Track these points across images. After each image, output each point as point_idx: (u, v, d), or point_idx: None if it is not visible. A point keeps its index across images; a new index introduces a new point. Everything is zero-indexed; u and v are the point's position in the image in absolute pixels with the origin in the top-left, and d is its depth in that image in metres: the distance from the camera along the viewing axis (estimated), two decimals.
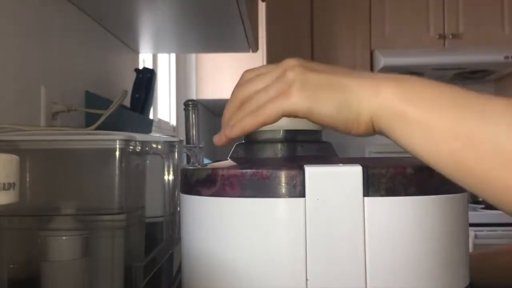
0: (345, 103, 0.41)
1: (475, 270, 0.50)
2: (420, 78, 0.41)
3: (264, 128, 0.46)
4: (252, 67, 0.47)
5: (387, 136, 0.41)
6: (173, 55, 2.17)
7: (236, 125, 0.43)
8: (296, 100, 0.41)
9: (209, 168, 0.45)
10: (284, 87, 0.42)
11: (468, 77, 2.80)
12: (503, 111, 0.36)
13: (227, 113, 0.46)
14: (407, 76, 0.41)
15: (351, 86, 0.41)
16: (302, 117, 0.42)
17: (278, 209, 0.40)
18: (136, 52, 1.53)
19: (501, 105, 0.36)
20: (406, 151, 0.40)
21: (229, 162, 0.49)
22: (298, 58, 0.44)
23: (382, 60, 2.61)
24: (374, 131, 0.41)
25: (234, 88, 0.46)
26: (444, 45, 2.67)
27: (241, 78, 0.47)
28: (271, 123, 0.42)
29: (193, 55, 2.46)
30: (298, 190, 0.40)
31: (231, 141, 0.46)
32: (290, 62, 0.43)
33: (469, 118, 0.37)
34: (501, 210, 0.37)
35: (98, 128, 0.78)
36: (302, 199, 0.40)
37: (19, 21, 0.82)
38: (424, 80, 0.40)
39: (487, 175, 0.36)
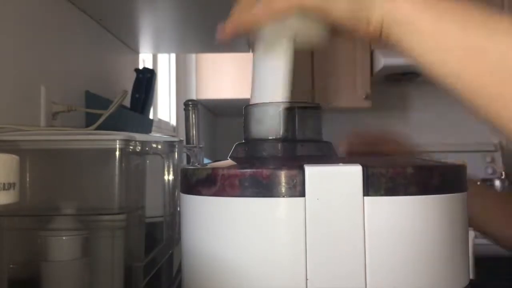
0: (358, 1, 0.41)
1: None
2: None
3: (265, 129, 0.46)
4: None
5: (393, 43, 0.41)
6: (173, 55, 2.17)
7: (247, 15, 0.43)
8: None
9: (209, 168, 0.45)
10: None
11: None
12: (510, 28, 0.37)
13: (235, 10, 0.45)
14: None
15: None
16: (314, 11, 0.41)
17: (278, 208, 0.40)
18: (136, 52, 1.53)
19: (509, 22, 0.37)
20: (412, 59, 0.40)
21: (229, 162, 0.49)
22: None
23: (382, 60, 2.60)
24: (380, 35, 0.42)
25: None
26: None
27: None
28: (282, 15, 0.42)
29: (193, 55, 2.46)
30: (298, 189, 0.40)
31: (234, 36, 0.45)
32: None
33: (480, 34, 0.38)
34: (495, 126, 0.38)
35: (98, 128, 0.78)
36: (302, 198, 0.40)
37: (19, 21, 0.82)
38: None
39: (490, 93, 0.36)
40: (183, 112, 1.04)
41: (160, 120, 1.95)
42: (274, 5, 0.42)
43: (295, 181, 0.40)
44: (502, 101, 0.37)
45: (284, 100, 0.49)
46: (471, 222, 0.46)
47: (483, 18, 0.38)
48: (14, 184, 0.38)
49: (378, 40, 0.42)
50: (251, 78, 0.51)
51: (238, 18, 0.43)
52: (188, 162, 0.92)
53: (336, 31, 0.44)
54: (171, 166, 0.73)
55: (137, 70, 1.35)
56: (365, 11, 0.41)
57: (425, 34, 0.39)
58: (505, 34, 0.37)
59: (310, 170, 0.40)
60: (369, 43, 2.72)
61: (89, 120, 1.00)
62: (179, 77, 2.23)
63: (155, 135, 0.94)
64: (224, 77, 2.40)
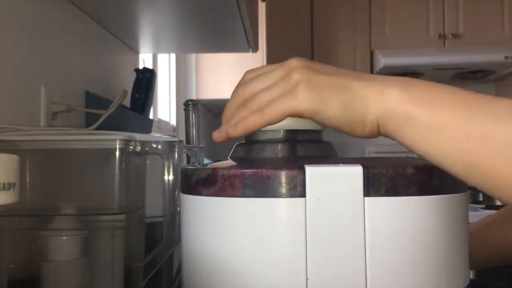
0: (351, 105, 0.41)
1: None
2: (425, 81, 0.41)
3: (266, 128, 0.46)
4: (254, 67, 0.47)
5: (393, 138, 0.41)
6: (173, 55, 2.17)
7: (239, 124, 0.43)
8: (302, 101, 0.41)
9: (209, 168, 0.45)
10: (290, 87, 0.42)
11: (468, 77, 2.80)
12: (511, 110, 0.37)
13: (228, 110, 0.46)
14: (412, 79, 0.41)
15: (357, 87, 0.41)
16: (307, 118, 0.42)
17: (278, 209, 0.40)
18: (136, 52, 1.53)
19: (509, 105, 0.37)
20: (413, 153, 0.40)
21: (229, 162, 0.49)
22: (301, 58, 0.44)
23: (382, 60, 2.61)
24: (379, 133, 0.42)
25: (236, 87, 0.46)
26: (444, 45, 2.67)
27: (243, 78, 0.46)
28: (276, 122, 0.42)
29: (193, 55, 2.46)
30: (298, 190, 0.40)
31: (231, 139, 0.46)
32: (294, 62, 0.43)
33: (479, 117, 0.37)
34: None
35: (98, 128, 0.78)
36: (302, 199, 0.40)
37: (19, 21, 0.82)
38: (430, 82, 0.41)
39: (500, 173, 0.36)
40: (183, 112, 1.04)
41: (160, 120, 1.95)
42: (268, 112, 0.42)
43: (295, 181, 0.40)
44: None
45: None
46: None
47: (481, 103, 0.38)
48: (14, 184, 0.38)
49: (375, 137, 0.42)
50: None
51: (234, 129, 0.43)
52: (188, 162, 0.92)
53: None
54: (171, 166, 0.73)
55: (137, 70, 1.35)
56: (359, 115, 0.41)
57: (426, 127, 0.38)
58: (506, 117, 0.36)
59: (311, 171, 0.40)
60: (369, 43, 2.72)
61: (89, 120, 1.00)
62: (179, 77, 2.23)
63: (155, 135, 0.94)
64: (224, 77, 2.40)
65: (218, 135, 0.45)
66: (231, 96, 0.46)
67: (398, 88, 0.40)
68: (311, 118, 0.42)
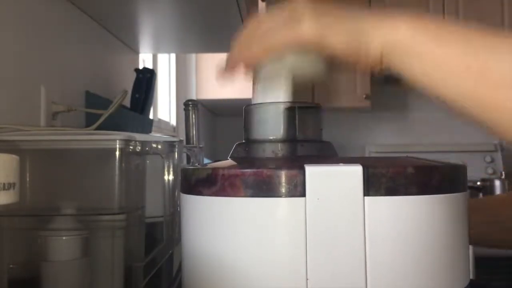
0: (356, 33, 0.41)
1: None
2: (433, 16, 0.41)
3: (266, 130, 0.46)
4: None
5: (394, 70, 0.41)
6: (173, 55, 2.17)
7: (244, 53, 0.43)
8: (308, 27, 0.41)
9: (209, 168, 0.45)
10: (295, 16, 0.41)
11: None
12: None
13: (232, 50, 0.45)
14: (420, 13, 0.41)
15: (364, 17, 0.41)
16: (312, 46, 0.41)
17: (278, 208, 0.40)
18: (136, 52, 1.53)
19: (510, 40, 0.38)
20: (416, 84, 0.40)
21: (229, 161, 0.49)
22: None
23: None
24: (381, 64, 0.42)
25: (242, 29, 0.46)
26: None
27: (249, 21, 0.46)
28: (279, 49, 0.42)
29: (193, 55, 2.46)
30: (298, 189, 0.40)
31: (233, 76, 0.45)
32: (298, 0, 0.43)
33: (481, 51, 0.38)
34: (509, 140, 0.39)
35: (98, 128, 0.78)
36: (302, 198, 0.40)
37: (19, 21, 0.82)
38: (437, 18, 0.41)
39: (497, 105, 0.37)
40: (183, 112, 1.04)
41: (160, 120, 1.95)
42: (271, 41, 0.42)
43: (295, 181, 0.40)
44: (509, 115, 0.37)
45: (286, 100, 0.49)
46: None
47: (484, 39, 0.39)
48: (14, 184, 0.38)
49: (378, 70, 0.42)
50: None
51: (237, 56, 0.43)
52: (188, 162, 0.92)
53: (335, 64, 0.44)
54: (171, 166, 0.73)
55: (137, 70, 1.35)
56: (364, 43, 0.41)
57: (427, 57, 0.39)
58: (507, 53, 0.37)
59: (311, 170, 0.40)
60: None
61: (89, 120, 1.00)
62: (179, 77, 2.23)
63: (155, 135, 0.94)
64: None
65: (220, 73, 0.44)
66: (236, 38, 0.46)
67: (405, 20, 0.40)
68: (315, 45, 0.41)
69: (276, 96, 0.49)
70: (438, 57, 0.39)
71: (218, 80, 0.44)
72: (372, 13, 0.42)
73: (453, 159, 2.13)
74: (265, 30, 0.42)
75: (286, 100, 0.48)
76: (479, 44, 0.38)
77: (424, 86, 0.40)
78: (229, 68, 0.44)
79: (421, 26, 0.40)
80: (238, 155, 0.51)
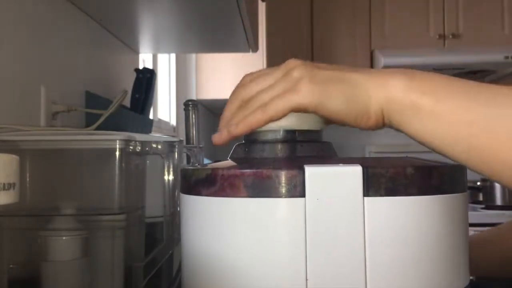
0: (354, 97, 0.41)
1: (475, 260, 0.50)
2: (426, 72, 0.41)
3: (265, 128, 0.46)
4: (253, 68, 0.47)
5: (397, 129, 0.41)
6: (173, 55, 2.17)
7: (241, 122, 0.43)
8: (305, 95, 0.41)
9: (209, 168, 0.45)
10: (292, 83, 0.42)
11: (468, 77, 2.80)
12: (509, 97, 0.38)
13: (227, 112, 0.46)
14: (414, 70, 0.41)
15: (360, 79, 0.41)
16: (311, 112, 0.42)
17: (278, 209, 0.40)
18: (136, 52, 1.53)
19: (507, 91, 0.38)
20: (418, 141, 0.41)
21: (229, 162, 0.49)
22: (298, 59, 0.44)
23: (382, 60, 2.61)
24: (383, 124, 0.42)
25: (234, 90, 0.46)
26: (444, 45, 2.67)
27: (241, 81, 0.46)
28: (279, 118, 0.42)
29: (193, 55, 2.46)
30: (298, 190, 0.40)
31: (231, 140, 0.46)
32: (292, 62, 0.43)
33: (481, 104, 0.38)
34: None
35: (98, 128, 0.78)
36: (302, 199, 0.40)
37: (19, 21, 0.82)
38: (431, 73, 0.41)
39: (504, 159, 0.37)
40: (183, 112, 1.04)
41: (160, 120, 1.95)
42: (271, 108, 0.42)
43: (295, 181, 0.40)
44: None
45: None
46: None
47: (482, 92, 0.39)
48: (14, 184, 0.38)
49: (381, 128, 0.43)
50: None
51: (236, 127, 0.43)
52: (188, 162, 0.92)
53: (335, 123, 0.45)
54: (171, 166, 0.73)
55: (137, 70, 1.35)
56: (363, 106, 0.41)
57: (427, 114, 0.39)
58: (508, 106, 0.37)
59: (310, 171, 0.40)
60: (369, 43, 2.72)
61: (89, 120, 1.00)
62: (179, 77, 2.23)
63: (155, 135, 0.94)
64: (224, 77, 2.40)
65: (218, 137, 0.45)
66: (230, 98, 0.46)
67: (400, 78, 0.40)
68: (314, 112, 0.42)
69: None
70: (437, 113, 0.39)
71: (216, 142, 0.45)
72: (367, 72, 0.42)
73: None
74: (262, 100, 0.43)
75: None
76: (479, 98, 0.38)
77: (426, 143, 0.40)
78: (225, 136, 0.44)
79: (417, 83, 0.40)
80: (237, 156, 0.51)
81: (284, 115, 0.42)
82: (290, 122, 0.46)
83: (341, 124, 0.42)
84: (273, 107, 0.42)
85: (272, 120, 0.42)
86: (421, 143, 0.40)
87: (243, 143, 0.51)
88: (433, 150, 0.40)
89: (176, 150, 0.76)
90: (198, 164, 0.88)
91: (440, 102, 0.39)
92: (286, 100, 0.41)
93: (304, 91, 0.41)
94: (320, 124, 0.48)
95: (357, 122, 0.42)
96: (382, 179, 0.40)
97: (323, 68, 0.42)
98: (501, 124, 0.37)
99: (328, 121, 0.45)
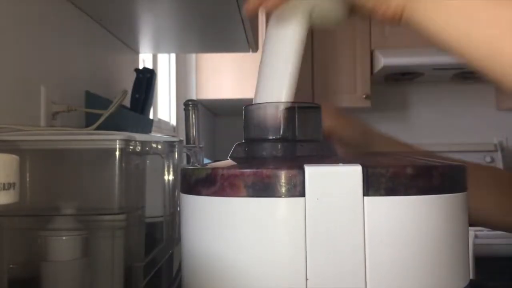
0: None
1: None
2: None
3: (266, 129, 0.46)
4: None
5: (414, 26, 0.41)
6: (173, 55, 2.17)
7: None
8: None
9: (209, 168, 0.45)
10: None
11: (468, 77, 2.80)
12: None
13: None
14: None
15: None
16: None
17: (278, 208, 0.40)
18: (136, 52, 1.53)
19: None
20: (434, 41, 0.40)
21: (229, 161, 0.49)
22: None
23: (382, 60, 2.61)
24: (400, 20, 0.41)
25: None
26: None
27: None
28: None
29: (193, 55, 2.46)
30: (298, 189, 0.40)
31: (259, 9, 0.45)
32: None
33: (508, 5, 0.37)
34: None
35: (98, 128, 0.78)
36: (302, 198, 0.40)
37: (19, 21, 0.82)
38: None
39: None
40: (183, 112, 1.04)
41: (160, 120, 1.95)
42: None
43: (295, 181, 0.40)
44: None
45: (287, 100, 0.49)
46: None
47: None
48: (14, 184, 0.38)
49: (395, 23, 0.42)
50: (258, 71, 0.51)
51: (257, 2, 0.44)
52: (188, 162, 0.92)
53: (352, 11, 0.44)
54: (171, 166, 0.73)
55: (137, 70, 1.35)
56: None
57: (455, 10, 0.39)
58: None
59: (310, 170, 0.40)
60: (369, 43, 2.72)
61: (89, 120, 1.00)
62: (179, 77, 2.23)
63: (155, 135, 0.94)
64: (224, 77, 2.40)
65: (249, 6, 0.45)
66: None
67: None
68: None
69: (277, 96, 0.49)
70: (464, 9, 0.38)
71: (248, 14, 0.45)
72: None
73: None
74: None
75: (287, 99, 0.48)
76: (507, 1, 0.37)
77: (445, 40, 0.39)
78: (252, 7, 0.44)
79: None
80: (237, 155, 0.51)
81: None
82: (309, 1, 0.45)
83: (359, 8, 0.42)
84: None
85: None
86: (441, 42, 0.40)
87: (243, 142, 0.51)
88: (452, 51, 0.40)
89: (176, 150, 0.76)
90: (198, 164, 0.88)
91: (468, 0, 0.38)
92: None
93: None
94: (337, 11, 0.47)
95: (374, 8, 0.41)
96: (382, 179, 0.40)
97: None
98: None
99: (346, 5, 0.44)
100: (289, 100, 0.50)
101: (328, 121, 0.70)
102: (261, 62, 0.52)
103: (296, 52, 0.48)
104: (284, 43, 0.49)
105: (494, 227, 0.69)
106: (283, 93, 0.50)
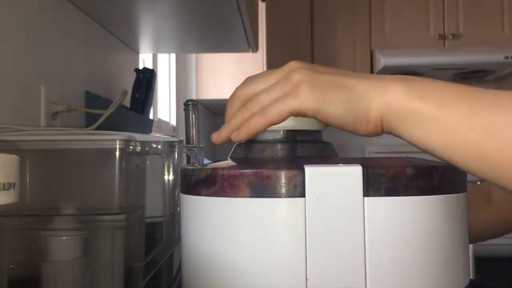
0: (353, 102, 0.41)
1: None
2: (425, 78, 0.41)
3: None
4: (254, 67, 0.47)
5: (397, 135, 0.41)
6: (173, 55, 2.17)
7: (243, 128, 0.43)
8: (305, 100, 0.41)
9: (209, 168, 0.45)
10: (291, 87, 0.42)
11: (468, 77, 2.80)
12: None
13: (229, 111, 0.46)
14: (413, 76, 0.41)
15: (359, 85, 0.41)
16: (310, 117, 0.42)
17: (278, 209, 0.40)
18: (136, 52, 1.53)
19: (509, 96, 0.37)
20: (418, 148, 0.40)
21: (229, 162, 0.49)
22: (299, 61, 0.44)
23: (382, 60, 2.61)
24: (382, 130, 0.42)
25: (236, 89, 0.46)
26: (444, 45, 2.67)
27: (243, 82, 0.47)
28: (279, 122, 0.42)
29: (193, 55, 2.46)
30: (298, 190, 0.40)
31: (230, 141, 0.46)
32: (293, 64, 0.43)
33: (483, 109, 0.37)
34: None
35: (98, 128, 0.78)
36: (302, 199, 0.40)
37: (19, 21, 0.82)
38: (431, 79, 0.41)
39: (505, 164, 0.36)
40: (183, 112, 1.04)
41: (160, 120, 1.95)
42: (270, 113, 0.42)
43: (295, 181, 0.40)
44: None
45: None
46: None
47: (484, 97, 0.38)
48: (14, 184, 0.38)
49: (379, 134, 0.42)
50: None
51: (238, 134, 0.44)
52: (188, 162, 0.92)
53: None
54: (171, 166, 0.73)
55: (137, 70, 1.35)
56: (362, 112, 0.41)
57: (428, 120, 0.39)
58: (510, 108, 0.37)
59: (310, 171, 0.40)
60: (369, 43, 2.72)
61: (89, 120, 1.00)
62: (179, 77, 2.23)
63: (155, 135, 0.94)
64: (224, 77, 2.41)
65: (218, 137, 0.45)
66: (231, 97, 0.46)
67: (401, 84, 0.40)
68: (314, 116, 0.42)
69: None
70: (439, 119, 0.38)
71: (215, 141, 0.45)
72: (367, 78, 0.42)
73: None
74: (262, 103, 0.43)
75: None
76: (480, 102, 0.38)
77: (426, 149, 0.40)
78: (225, 136, 0.45)
79: (418, 89, 0.40)
80: (237, 156, 0.51)
81: (283, 119, 0.42)
82: (291, 123, 0.46)
83: (340, 129, 0.42)
84: (272, 111, 0.42)
85: (272, 124, 0.42)
86: (424, 150, 0.40)
87: (243, 143, 0.51)
88: (438, 158, 0.40)
89: (176, 150, 0.76)
90: (198, 164, 0.88)
91: (441, 108, 0.38)
92: (285, 104, 0.41)
93: (303, 96, 0.41)
94: (319, 125, 0.48)
95: (355, 128, 0.42)
96: (382, 179, 0.40)
97: (323, 72, 0.42)
98: (504, 129, 0.36)
99: (326, 125, 0.45)
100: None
101: None
102: None
103: None
104: None
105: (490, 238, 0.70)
106: None
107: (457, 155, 0.38)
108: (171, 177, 0.73)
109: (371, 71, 2.73)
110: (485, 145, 0.37)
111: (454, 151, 0.38)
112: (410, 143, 0.41)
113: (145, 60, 1.77)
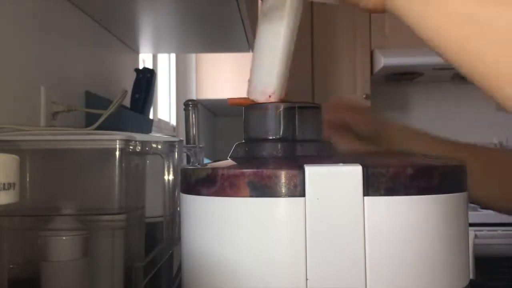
0: None
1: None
2: None
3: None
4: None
5: (396, 13, 0.41)
6: (173, 55, 2.17)
7: None
8: None
9: (209, 168, 0.45)
10: None
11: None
12: None
13: None
14: None
15: None
16: None
17: (278, 208, 0.40)
18: (136, 52, 1.53)
19: None
20: (415, 31, 0.40)
21: (229, 161, 0.49)
22: None
23: (382, 60, 2.61)
24: (383, 7, 0.41)
25: None
26: None
27: None
28: None
29: (193, 55, 2.46)
30: (298, 189, 0.40)
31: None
32: None
33: (491, 3, 0.36)
34: (496, 95, 0.37)
35: (98, 128, 0.78)
36: (302, 198, 0.40)
37: (19, 21, 0.82)
38: None
39: (490, 63, 0.36)
40: (183, 112, 1.04)
41: (160, 120, 1.95)
42: None
43: (295, 181, 0.40)
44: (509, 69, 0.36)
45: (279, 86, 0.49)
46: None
47: None
48: (14, 184, 0.38)
49: (378, 12, 0.42)
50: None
51: None
52: (188, 162, 0.92)
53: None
54: (171, 166, 0.73)
55: (137, 70, 1.35)
56: None
57: (436, 6, 0.38)
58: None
59: (310, 170, 0.40)
60: (369, 43, 2.72)
61: (89, 120, 1.00)
62: (179, 77, 2.23)
63: (155, 135, 0.94)
64: (224, 77, 2.40)
65: None
66: None
67: None
68: None
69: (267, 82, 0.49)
70: (446, 6, 0.37)
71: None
72: None
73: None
74: None
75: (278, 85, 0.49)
76: None
77: (424, 33, 0.39)
78: None
79: None
80: (237, 155, 0.51)
81: None
82: None
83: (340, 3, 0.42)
84: None
85: None
86: (419, 34, 0.40)
87: (243, 142, 0.51)
88: (430, 45, 0.40)
89: (176, 150, 0.76)
90: (198, 164, 0.88)
91: None
92: None
93: None
94: None
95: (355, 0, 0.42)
96: (382, 179, 0.40)
97: None
98: (500, 25, 0.35)
99: None
100: (280, 85, 0.50)
101: (347, 114, 0.70)
102: (252, 58, 0.53)
103: (285, 38, 0.49)
104: (271, 33, 0.51)
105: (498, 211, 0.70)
106: (273, 80, 0.51)
107: (447, 41, 0.38)
108: (171, 177, 0.73)
109: (371, 71, 2.73)
110: (477, 38, 0.36)
111: (447, 36, 0.38)
112: (408, 23, 0.40)
113: (145, 60, 1.77)
